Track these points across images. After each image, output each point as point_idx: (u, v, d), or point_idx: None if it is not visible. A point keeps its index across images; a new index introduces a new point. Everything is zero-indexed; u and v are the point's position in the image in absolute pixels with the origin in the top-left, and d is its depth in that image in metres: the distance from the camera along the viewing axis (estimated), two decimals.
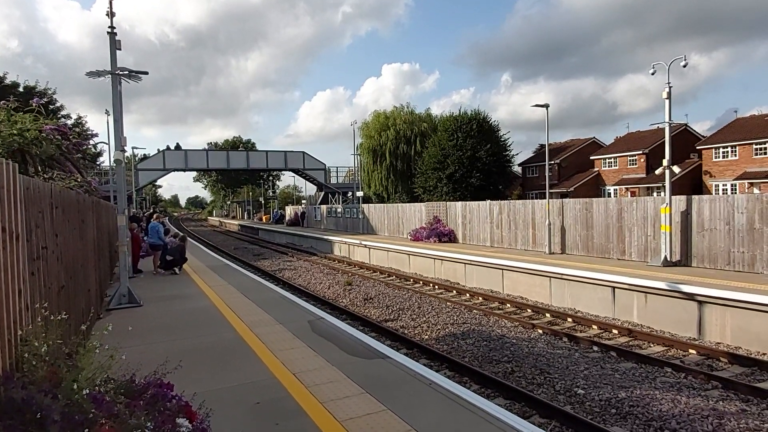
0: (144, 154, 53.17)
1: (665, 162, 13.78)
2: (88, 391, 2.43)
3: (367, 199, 44.68)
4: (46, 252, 4.28)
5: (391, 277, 18.88)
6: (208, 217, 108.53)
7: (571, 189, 45.21)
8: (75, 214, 6.51)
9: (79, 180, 9.18)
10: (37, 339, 2.79)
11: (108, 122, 25.80)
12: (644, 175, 42.55)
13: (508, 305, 13.45)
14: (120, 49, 9.64)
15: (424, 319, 12.03)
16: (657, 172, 14.29)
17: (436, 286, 16.49)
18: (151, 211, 36.07)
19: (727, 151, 38.09)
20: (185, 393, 2.93)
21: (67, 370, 2.62)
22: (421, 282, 17.46)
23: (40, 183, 4.31)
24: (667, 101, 13.67)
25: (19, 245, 3.09)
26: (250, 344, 6.85)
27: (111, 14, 9.40)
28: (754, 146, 36.38)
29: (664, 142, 14.12)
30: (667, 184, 13.55)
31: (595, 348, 9.55)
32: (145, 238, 15.63)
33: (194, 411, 2.79)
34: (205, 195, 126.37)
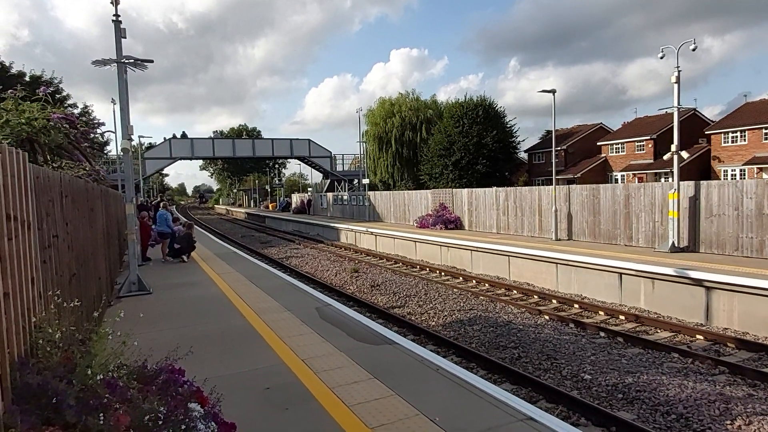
0: (150, 143, 53.25)
1: (673, 147, 13.65)
2: (101, 377, 2.47)
3: (373, 187, 44.63)
4: (57, 240, 4.32)
5: (397, 264, 18.93)
6: (215, 206, 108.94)
7: (578, 175, 44.95)
8: (84, 203, 6.56)
9: (87, 169, 9.23)
10: (51, 326, 2.83)
11: (114, 111, 25.85)
12: (652, 161, 42.20)
13: (515, 291, 13.46)
14: (125, 38, 9.62)
15: (431, 305, 12.08)
16: (665, 157, 14.16)
17: (443, 273, 16.52)
18: (159, 199, 36.23)
19: (737, 136, 37.65)
20: (196, 378, 2.97)
21: (80, 356, 2.66)
22: (427, 269, 17.50)
23: (50, 172, 4.34)
24: (675, 85, 13.49)
25: (30, 234, 3.12)
26: (258, 330, 6.91)
27: (116, 1, 9.36)
28: (764, 131, 35.93)
29: (672, 127, 13.98)
30: (675, 169, 13.44)
31: (602, 334, 9.56)
32: (154, 226, 15.74)
33: (206, 396, 2.82)
34: (212, 183, 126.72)
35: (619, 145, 46.47)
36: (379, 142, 49.66)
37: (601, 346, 8.80)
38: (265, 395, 4.67)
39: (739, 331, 9.39)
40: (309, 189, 56.30)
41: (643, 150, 43.88)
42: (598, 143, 48.38)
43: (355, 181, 45.85)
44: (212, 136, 78.19)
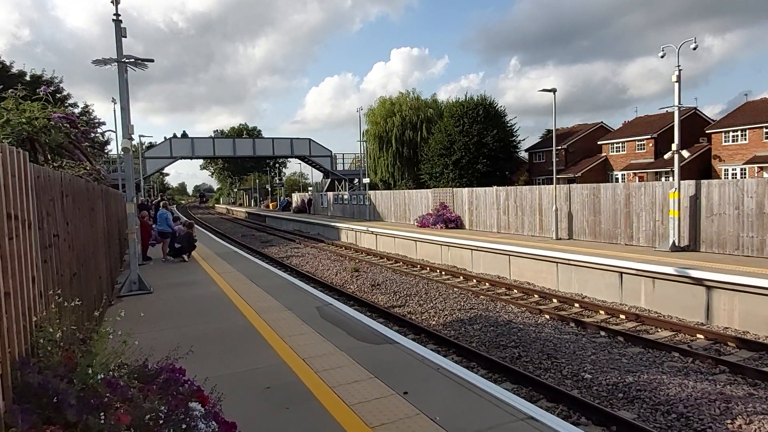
0: (151, 143, 53.25)
1: (674, 146, 13.64)
2: (102, 376, 2.47)
3: (373, 186, 44.64)
4: (57, 240, 4.32)
5: (398, 264, 18.93)
6: (215, 205, 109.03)
7: (579, 174, 44.91)
8: (85, 202, 6.56)
9: (88, 168, 9.23)
10: (52, 325, 2.83)
11: (115, 110, 25.85)
12: (652, 160, 42.15)
13: (515, 291, 13.46)
14: (125, 37, 9.62)
15: (432, 305, 12.08)
16: (666, 156, 14.16)
17: (443, 272, 16.52)
18: (159, 198, 36.25)
19: (737, 135, 37.61)
20: (197, 377, 2.98)
21: (81, 356, 2.66)
22: (428, 268, 17.50)
23: (51, 171, 4.34)
24: (676, 84, 13.48)
25: (31, 233, 3.12)
26: (259, 330, 6.91)
27: (116, 1, 9.36)
28: (765, 130, 35.89)
29: (672, 126, 13.97)
30: (675, 168, 13.43)
31: (603, 333, 9.56)
32: (154, 225, 15.75)
33: (206, 395, 2.82)
34: (213, 182, 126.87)
35: (620, 145, 46.43)
36: (379, 141, 49.67)
37: (601, 346, 8.80)
38: (266, 394, 4.68)
39: (739, 331, 9.38)
40: (309, 188, 56.32)
41: (644, 149, 43.84)
42: (599, 142, 48.34)
43: (356, 180, 45.89)
44: (213, 135, 78.10)
